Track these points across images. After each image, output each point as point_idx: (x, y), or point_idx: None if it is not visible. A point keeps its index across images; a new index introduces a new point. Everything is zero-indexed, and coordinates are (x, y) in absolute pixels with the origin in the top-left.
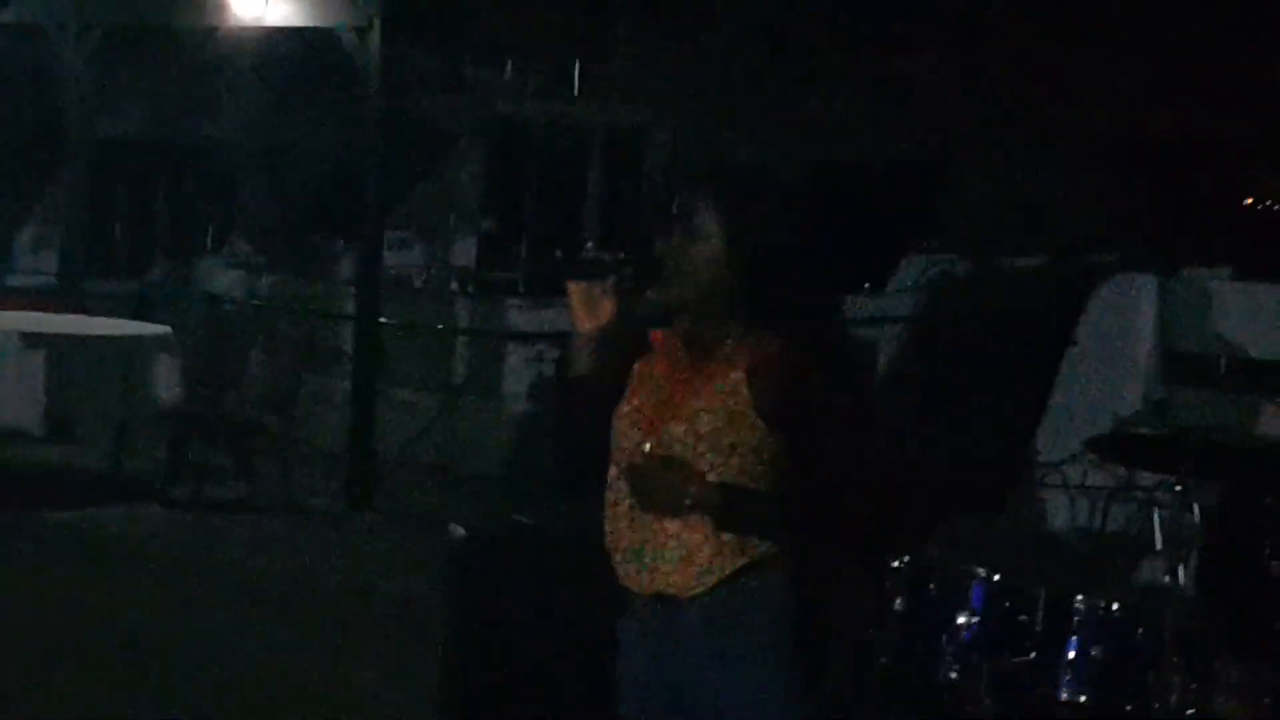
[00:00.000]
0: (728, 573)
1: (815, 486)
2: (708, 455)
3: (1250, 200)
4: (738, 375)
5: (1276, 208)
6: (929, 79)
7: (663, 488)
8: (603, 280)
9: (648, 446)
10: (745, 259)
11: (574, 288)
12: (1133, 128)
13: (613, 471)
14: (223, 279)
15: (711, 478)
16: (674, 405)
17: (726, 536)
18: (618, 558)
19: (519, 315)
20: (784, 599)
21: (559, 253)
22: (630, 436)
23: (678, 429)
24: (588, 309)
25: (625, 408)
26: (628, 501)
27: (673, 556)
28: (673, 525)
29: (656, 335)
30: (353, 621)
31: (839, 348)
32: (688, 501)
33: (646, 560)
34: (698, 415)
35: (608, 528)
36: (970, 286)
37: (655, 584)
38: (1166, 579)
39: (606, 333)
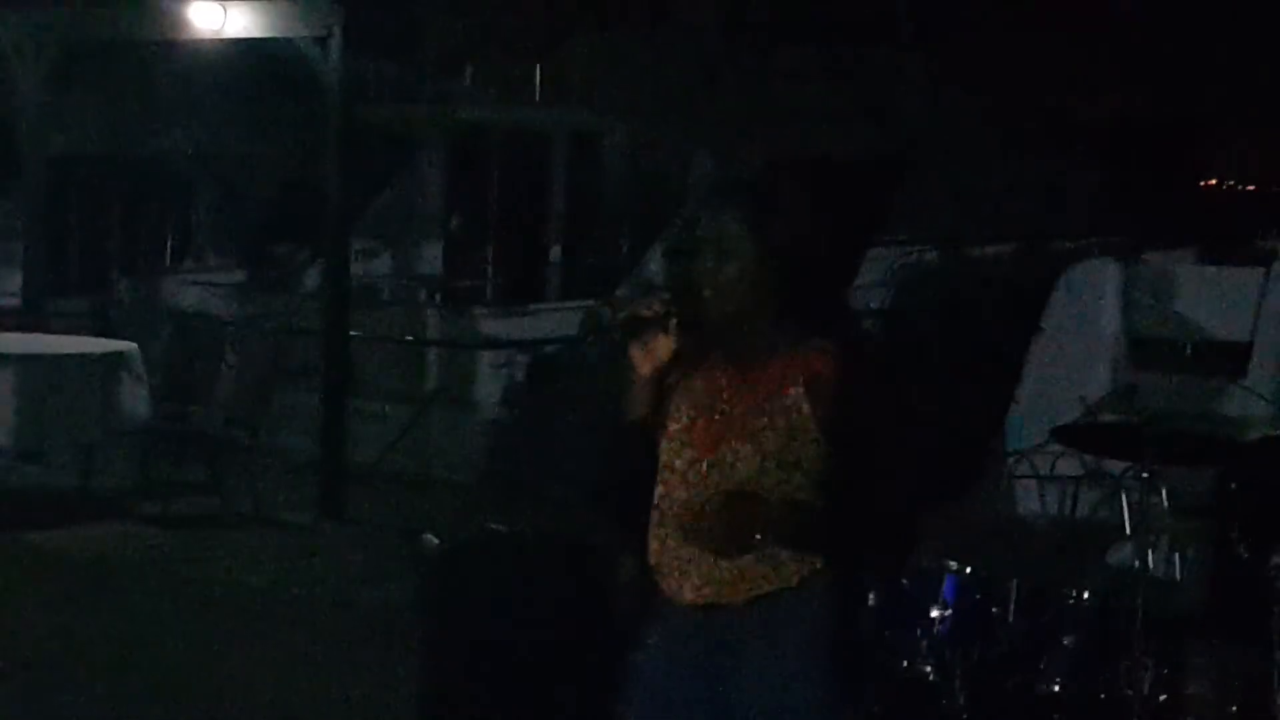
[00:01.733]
0: (781, 586)
1: (868, 499)
2: (774, 473)
3: (1212, 181)
4: (798, 390)
5: (1237, 187)
6: (890, 72)
7: (734, 531)
8: (658, 322)
9: (704, 466)
10: (782, 268)
11: (634, 345)
12: (1094, 113)
13: (660, 489)
14: (189, 293)
15: (775, 496)
16: (733, 423)
17: (783, 556)
18: (663, 571)
19: (488, 323)
20: (830, 611)
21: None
22: (684, 456)
23: (743, 448)
24: (647, 353)
25: (674, 427)
26: (675, 521)
27: (725, 576)
28: None
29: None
30: (329, 633)
31: (872, 357)
32: (767, 536)
33: (692, 576)
34: (762, 433)
35: (653, 544)
36: (937, 276)
37: (705, 596)
38: (1136, 564)
39: (664, 372)
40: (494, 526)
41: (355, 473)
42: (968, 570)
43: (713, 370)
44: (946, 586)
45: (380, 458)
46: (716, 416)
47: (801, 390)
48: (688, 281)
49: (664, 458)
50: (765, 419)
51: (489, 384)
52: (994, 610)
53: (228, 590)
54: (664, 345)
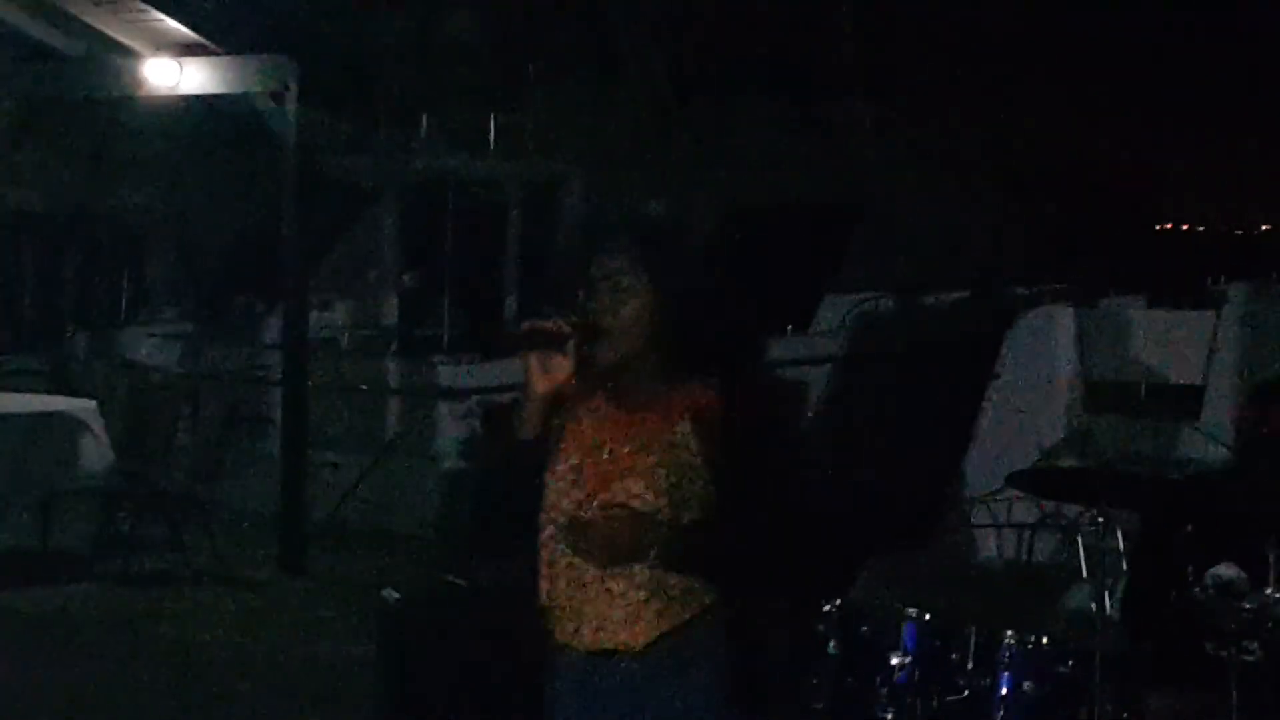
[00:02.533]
0: (674, 625)
1: (746, 529)
2: (666, 509)
3: (1166, 225)
4: (685, 427)
5: (1189, 230)
6: (844, 121)
7: (622, 540)
8: (559, 344)
9: (596, 503)
10: (673, 312)
11: (532, 355)
12: (1045, 160)
13: (547, 531)
14: (145, 346)
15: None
16: (621, 462)
17: (674, 589)
18: (555, 615)
19: (445, 372)
20: (723, 648)
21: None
22: (572, 495)
23: (635, 485)
24: (545, 372)
25: (561, 466)
26: (565, 560)
27: (618, 614)
28: (617, 584)
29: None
30: (290, 689)
31: (762, 390)
32: (652, 552)
33: (591, 617)
34: (654, 470)
35: (543, 587)
36: (893, 323)
37: (599, 641)
38: (1093, 607)
39: (559, 394)
40: (453, 580)
41: (315, 526)
42: (927, 617)
43: (600, 411)
44: (906, 633)
45: (336, 509)
46: (605, 456)
47: (689, 427)
48: (583, 320)
49: (550, 498)
50: (654, 457)
51: (448, 434)
52: (953, 657)
53: (188, 648)
54: (562, 366)
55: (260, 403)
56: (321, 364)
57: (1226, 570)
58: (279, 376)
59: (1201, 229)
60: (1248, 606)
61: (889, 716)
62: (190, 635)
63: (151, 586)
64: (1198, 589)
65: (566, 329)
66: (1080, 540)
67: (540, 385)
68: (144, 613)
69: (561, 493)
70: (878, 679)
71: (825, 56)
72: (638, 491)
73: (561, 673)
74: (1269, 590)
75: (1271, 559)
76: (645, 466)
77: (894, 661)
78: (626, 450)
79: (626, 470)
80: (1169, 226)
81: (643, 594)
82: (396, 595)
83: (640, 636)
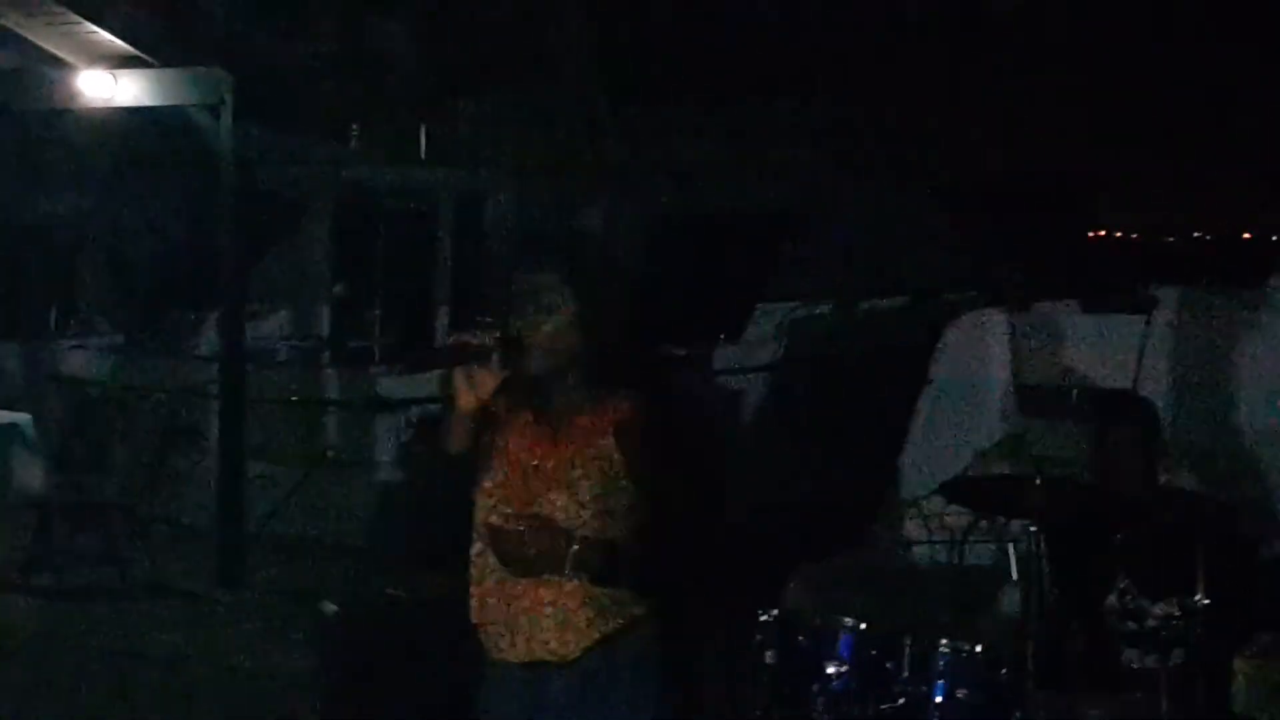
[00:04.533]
0: (604, 635)
1: (673, 538)
2: (590, 522)
3: (1097, 233)
4: (608, 441)
5: (1120, 237)
6: (777, 129)
7: (540, 550)
8: (484, 358)
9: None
10: (597, 329)
11: (458, 368)
12: (976, 167)
13: (476, 546)
14: (76, 359)
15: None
16: (548, 476)
17: (603, 600)
18: (488, 629)
19: (383, 383)
20: (655, 657)
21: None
22: (500, 510)
23: (560, 499)
24: (471, 386)
25: (488, 483)
26: (495, 575)
27: (550, 624)
28: (548, 593)
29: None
30: (229, 702)
31: (689, 401)
32: (568, 563)
33: (523, 628)
34: (577, 484)
35: (474, 602)
36: (826, 331)
37: (532, 652)
38: (1025, 612)
39: (486, 408)
40: (392, 591)
41: (251, 538)
42: (863, 626)
43: (526, 426)
44: (842, 643)
45: (268, 522)
46: (531, 471)
47: (611, 440)
48: (507, 335)
49: (479, 514)
50: (579, 470)
51: (384, 445)
52: (889, 665)
53: (126, 661)
54: (487, 380)
55: (195, 415)
56: (255, 375)
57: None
58: (214, 388)
59: (1134, 235)
60: (1177, 614)
61: None
62: (127, 648)
63: (88, 600)
64: (1126, 598)
65: (491, 343)
66: (1012, 545)
67: (466, 399)
68: (81, 626)
69: (490, 509)
70: (814, 688)
71: (756, 65)
72: (562, 504)
73: (494, 685)
74: (1198, 597)
75: (1199, 564)
76: (570, 480)
77: (830, 670)
78: (551, 465)
79: (552, 484)
80: (1101, 233)
81: (573, 604)
82: (335, 607)
83: (571, 647)
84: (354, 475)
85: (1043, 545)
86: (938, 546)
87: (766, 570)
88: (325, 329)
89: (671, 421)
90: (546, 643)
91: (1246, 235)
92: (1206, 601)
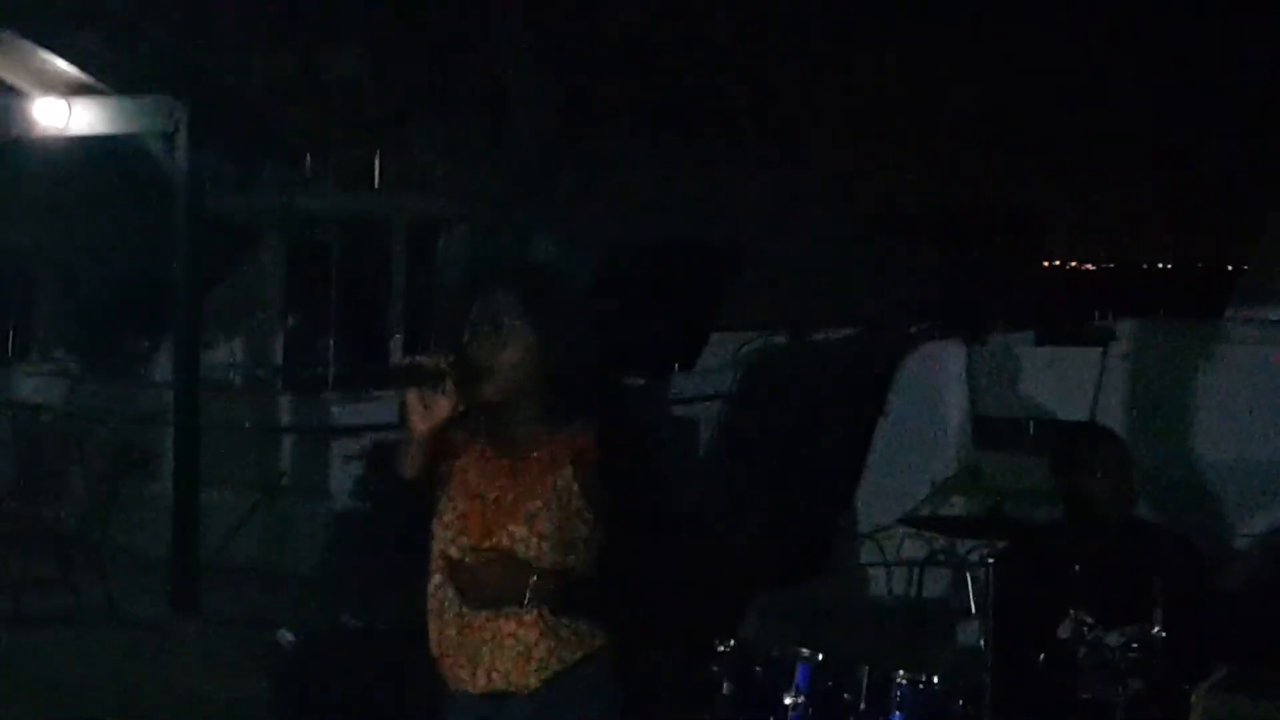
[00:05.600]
0: (565, 666)
1: (630, 569)
2: (550, 554)
3: (1050, 263)
4: (567, 472)
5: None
6: (731, 160)
7: (499, 582)
8: (437, 382)
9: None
10: (556, 357)
11: (411, 392)
12: (929, 199)
13: (435, 579)
14: (30, 385)
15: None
16: (506, 508)
17: (563, 630)
18: (448, 661)
19: (337, 411)
20: (614, 687)
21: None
22: (459, 544)
23: (519, 530)
24: (424, 410)
25: (446, 515)
26: (454, 608)
27: (510, 655)
28: (508, 624)
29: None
30: None
31: (645, 431)
32: (526, 593)
33: (483, 660)
34: (536, 516)
35: (433, 634)
36: (781, 361)
37: (492, 683)
38: (982, 644)
39: (441, 437)
40: (348, 621)
41: (206, 565)
42: (820, 657)
43: (484, 456)
44: (800, 673)
45: (222, 548)
46: (490, 502)
47: (570, 471)
48: (464, 361)
49: (438, 546)
50: (539, 501)
51: (339, 473)
52: (846, 696)
53: (80, 689)
54: (441, 406)
55: (150, 441)
56: (209, 402)
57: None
58: (169, 415)
59: (1088, 267)
60: (1134, 644)
61: None
62: (81, 676)
63: (42, 627)
64: (1083, 627)
65: (445, 366)
66: (969, 577)
67: (420, 423)
68: (34, 654)
69: (448, 540)
70: (771, 719)
71: (711, 96)
72: (522, 536)
73: (453, 716)
74: (1155, 628)
75: (1157, 595)
76: (529, 512)
77: (787, 701)
78: (510, 497)
79: (510, 516)
80: (1055, 264)
81: (533, 635)
82: (291, 637)
83: (531, 678)
84: (308, 502)
85: (998, 576)
86: (895, 578)
87: (724, 601)
88: (279, 356)
89: (630, 452)
90: (506, 674)
91: (1200, 265)
92: (1164, 633)
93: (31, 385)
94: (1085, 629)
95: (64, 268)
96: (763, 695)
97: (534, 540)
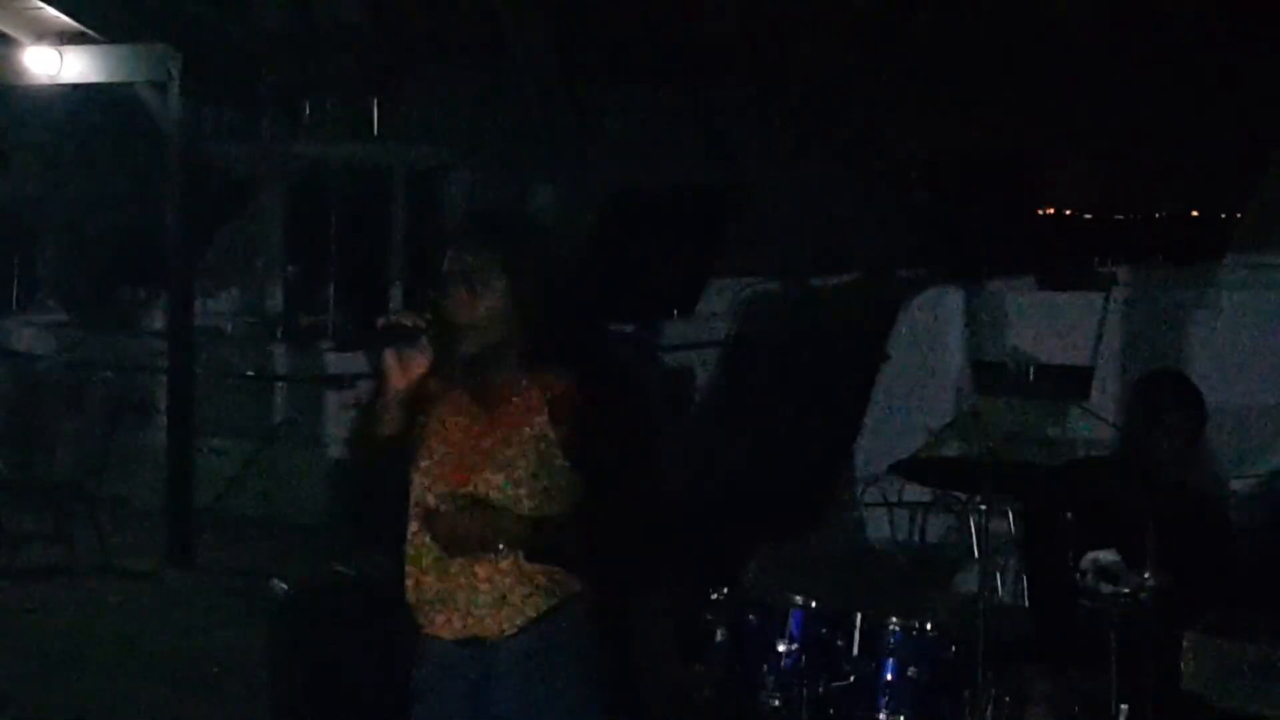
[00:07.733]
0: (540, 612)
1: (611, 516)
2: (525, 501)
3: (1049, 209)
4: (543, 419)
5: (1074, 215)
6: (728, 107)
7: (475, 530)
8: (415, 340)
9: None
10: (530, 308)
11: (389, 351)
12: (928, 144)
13: (413, 526)
14: (26, 336)
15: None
16: (483, 455)
17: (539, 577)
18: (425, 608)
19: (333, 359)
20: (592, 636)
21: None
22: (435, 490)
23: (495, 477)
24: (402, 368)
25: (424, 462)
26: (431, 554)
27: (486, 600)
28: (484, 569)
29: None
30: (178, 681)
31: (620, 379)
32: (501, 540)
33: (459, 606)
34: (513, 462)
35: (410, 580)
36: (780, 307)
37: (468, 629)
38: (982, 591)
39: (422, 391)
40: (341, 570)
41: (201, 515)
42: (813, 604)
43: (460, 405)
44: (793, 620)
45: (219, 498)
46: (467, 450)
47: (545, 419)
48: (438, 315)
49: (415, 494)
50: (515, 448)
51: (334, 422)
52: (839, 643)
53: (75, 641)
54: (418, 362)
55: (145, 392)
56: (207, 351)
57: (1105, 555)
58: (165, 365)
59: (1088, 214)
60: (1125, 590)
61: (775, 702)
62: (76, 628)
63: (36, 579)
64: (1077, 573)
65: (421, 324)
66: (971, 521)
67: (397, 381)
68: (29, 606)
69: (425, 488)
70: (765, 666)
71: (709, 42)
72: (498, 484)
73: (430, 663)
74: (1146, 575)
75: (1149, 543)
76: (505, 459)
77: (780, 648)
78: (486, 444)
79: (487, 464)
80: (1056, 210)
81: (508, 581)
82: (285, 586)
83: (506, 624)
84: (305, 452)
85: (1008, 520)
86: (898, 523)
87: (724, 551)
88: (279, 306)
89: (609, 399)
90: (482, 620)
91: (1199, 212)
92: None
93: (26, 335)
94: (1114, 561)
95: (61, 218)
96: (756, 642)
97: (510, 487)
